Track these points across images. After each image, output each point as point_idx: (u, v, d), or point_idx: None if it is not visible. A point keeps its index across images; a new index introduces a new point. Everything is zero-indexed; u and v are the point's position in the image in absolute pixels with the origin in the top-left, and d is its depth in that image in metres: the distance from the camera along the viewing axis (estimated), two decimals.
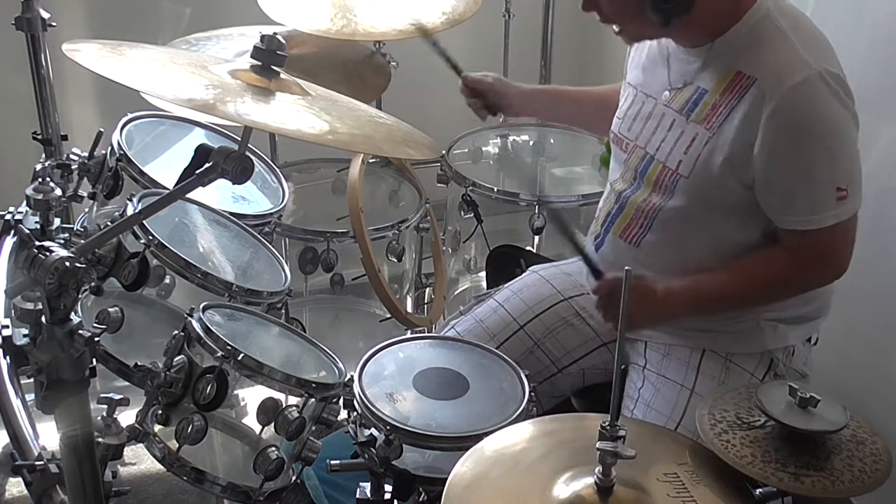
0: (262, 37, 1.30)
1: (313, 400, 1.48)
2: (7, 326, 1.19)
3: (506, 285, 1.97)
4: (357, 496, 1.55)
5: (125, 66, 1.28)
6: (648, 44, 1.76)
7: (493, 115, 2.12)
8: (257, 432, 1.51)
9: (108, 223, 1.48)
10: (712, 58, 1.62)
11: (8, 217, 1.54)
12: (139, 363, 1.46)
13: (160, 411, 1.42)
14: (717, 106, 1.58)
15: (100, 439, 1.15)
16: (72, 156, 1.76)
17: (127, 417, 1.36)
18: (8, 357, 1.20)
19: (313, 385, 1.47)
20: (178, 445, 1.43)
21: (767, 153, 1.53)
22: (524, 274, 1.99)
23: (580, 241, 1.81)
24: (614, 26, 1.64)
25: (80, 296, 1.07)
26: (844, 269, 1.62)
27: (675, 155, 1.64)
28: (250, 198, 1.93)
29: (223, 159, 1.18)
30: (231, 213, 1.80)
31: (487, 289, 2.13)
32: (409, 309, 2.53)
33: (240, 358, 1.42)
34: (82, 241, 1.23)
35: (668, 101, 1.68)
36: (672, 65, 1.70)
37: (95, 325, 1.38)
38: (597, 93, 2.07)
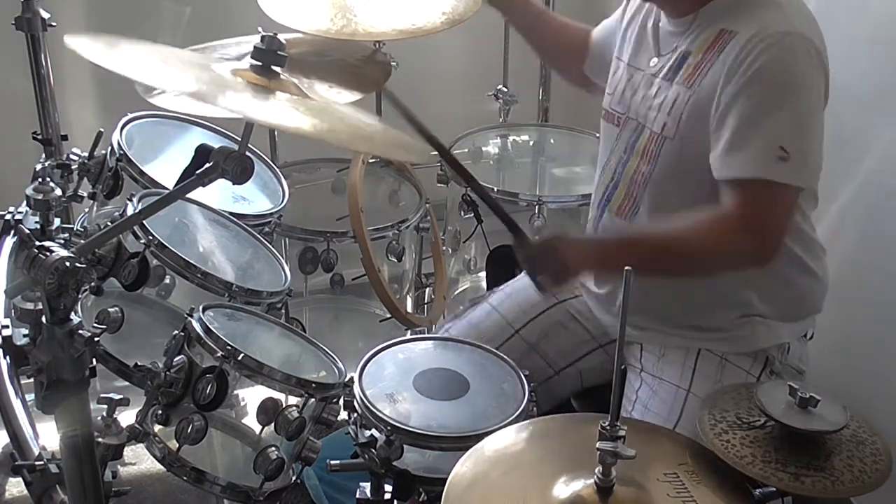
0: (262, 37, 1.30)
1: (313, 400, 1.48)
2: (7, 326, 1.19)
3: (500, 287, 1.97)
4: (357, 496, 1.55)
5: (127, 58, 1.27)
6: (641, 19, 1.77)
7: None
8: (257, 432, 1.51)
9: (108, 223, 1.48)
10: (698, 24, 1.63)
11: (8, 217, 1.54)
12: (139, 363, 1.46)
13: (160, 411, 1.43)
14: (699, 65, 1.58)
15: (100, 439, 1.15)
16: (72, 156, 1.77)
17: (127, 417, 1.36)
18: (8, 357, 1.20)
19: (313, 385, 1.47)
20: (178, 445, 1.43)
21: (729, 94, 1.52)
22: (519, 276, 1.99)
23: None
24: None
25: (80, 296, 1.07)
26: (770, 247, 1.52)
27: (660, 118, 1.64)
28: (250, 198, 1.93)
29: (223, 159, 1.18)
30: (231, 213, 1.80)
31: (488, 289, 2.13)
32: (409, 309, 2.53)
33: (240, 358, 1.42)
34: (82, 241, 1.23)
35: (655, 70, 1.68)
36: (661, 36, 1.71)
37: (95, 325, 1.38)
38: (565, 24, 2.04)
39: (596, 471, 1.13)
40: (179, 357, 1.43)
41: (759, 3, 1.56)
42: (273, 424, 1.45)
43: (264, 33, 1.30)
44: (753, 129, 1.50)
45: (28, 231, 1.50)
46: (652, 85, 1.68)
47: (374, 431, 1.48)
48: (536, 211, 2.25)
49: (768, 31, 1.50)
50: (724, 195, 1.54)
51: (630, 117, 1.73)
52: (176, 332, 1.46)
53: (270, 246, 1.82)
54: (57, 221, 1.60)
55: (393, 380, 1.59)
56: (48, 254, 1.03)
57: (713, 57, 1.56)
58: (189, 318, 1.46)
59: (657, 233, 1.61)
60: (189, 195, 1.32)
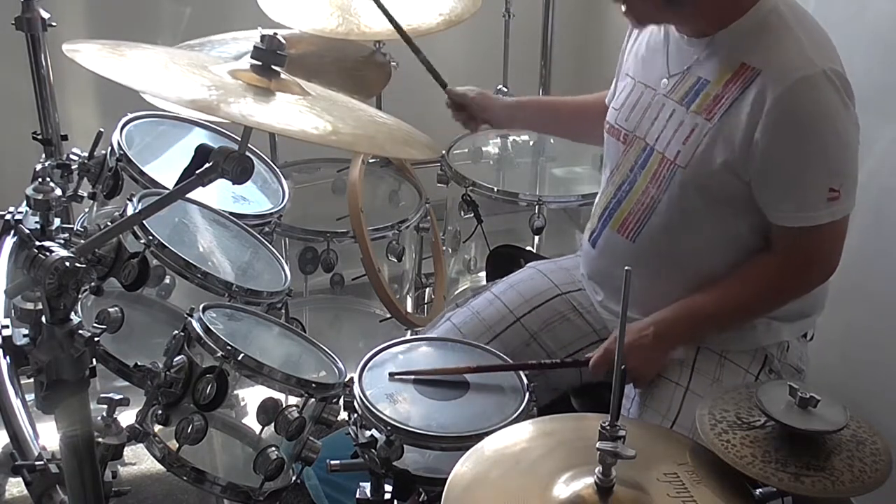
0: (262, 36, 1.30)
1: (313, 400, 1.48)
2: (7, 326, 1.19)
3: (503, 279, 1.97)
4: (357, 496, 1.55)
5: (126, 66, 1.28)
6: (649, 33, 1.77)
7: (482, 126, 2.15)
8: (257, 432, 1.51)
9: (108, 223, 1.48)
10: (714, 49, 1.62)
11: (8, 217, 1.54)
12: (139, 363, 1.46)
13: (160, 411, 1.42)
14: (720, 97, 1.58)
15: (100, 439, 1.15)
16: (72, 156, 1.76)
17: (127, 417, 1.36)
18: (8, 357, 1.20)
19: (313, 385, 1.47)
20: (178, 445, 1.43)
21: (766, 146, 1.53)
22: (522, 269, 2.00)
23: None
24: (622, 5, 1.63)
25: (80, 296, 1.07)
26: (834, 268, 1.63)
27: (674, 145, 1.64)
28: (250, 198, 1.93)
29: (223, 159, 1.18)
30: (231, 213, 1.80)
31: None
32: (409, 309, 2.53)
33: (240, 358, 1.42)
34: (82, 241, 1.23)
35: (667, 90, 1.68)
36: (671, 53, 1.70)
37: (95, 325, 1.38)
38: (579, 102, 2.08)
39: (596, 471, 1.13)
40: (179, 357, 1.43)
41: (775, 33, 1.56)
42: (273, 424, 1.45)
43: (264, 32, 1.30)
44: (800, 178, 1.55)
45: (28, 231, 1.50)
46: (664, 107, 1.68)
47: (374, 432, 1.48)
48: (536, 211, 2.25)
49: (793, 75, 1.51)
50: (780, 237, 1.61)
51: (637, 136, 1.72)
52: (176, 332, 1.46)
53: (270, 246, 1.82)
54: (57, 221, 1.60)
55: (393, 380, 1.59)
56: (48, 254, 1.03)
57: (735, 92, 1.56)
58: (189, 318, 1.45)
59: (725, 301, 1.65)
60: (189, 195, 1.32)
